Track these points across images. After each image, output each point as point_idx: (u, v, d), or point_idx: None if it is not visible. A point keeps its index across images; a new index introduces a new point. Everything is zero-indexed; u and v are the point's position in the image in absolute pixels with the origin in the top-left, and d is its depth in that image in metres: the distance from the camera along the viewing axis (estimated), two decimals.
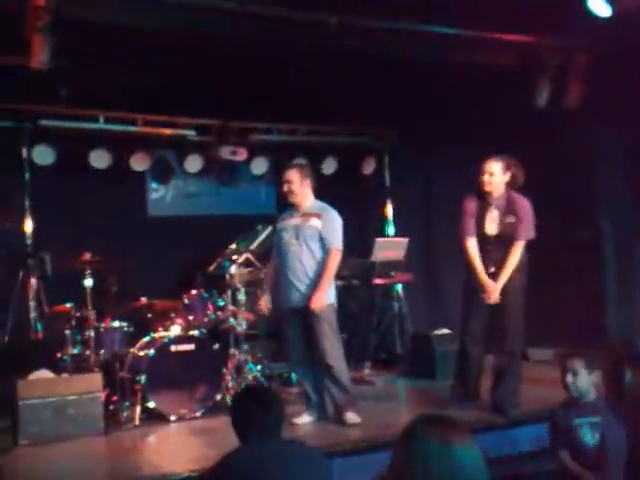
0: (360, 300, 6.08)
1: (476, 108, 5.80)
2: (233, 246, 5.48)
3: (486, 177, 4.19)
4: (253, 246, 5.57)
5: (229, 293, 5.34)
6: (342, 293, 6.21)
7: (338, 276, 6.21)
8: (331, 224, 4.28)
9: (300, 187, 4.32)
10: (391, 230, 7.03)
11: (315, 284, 4.18)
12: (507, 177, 4.21)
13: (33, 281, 5.43)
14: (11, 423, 4.23)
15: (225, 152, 6.27)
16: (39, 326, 5.34)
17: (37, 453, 4.02)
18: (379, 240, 5.82)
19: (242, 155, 6.35)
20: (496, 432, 4.10)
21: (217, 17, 4.66)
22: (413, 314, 6.43)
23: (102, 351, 4.82)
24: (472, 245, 4.28)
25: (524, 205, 4.19)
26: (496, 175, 4.19)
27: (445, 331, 5.81)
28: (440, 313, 6.65)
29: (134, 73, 5.07)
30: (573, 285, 5.67)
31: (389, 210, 7.07)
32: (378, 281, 5.79)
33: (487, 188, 4.20)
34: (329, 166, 6.74)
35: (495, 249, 4.22)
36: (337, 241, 4.27)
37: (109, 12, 4.39)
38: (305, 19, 4.68)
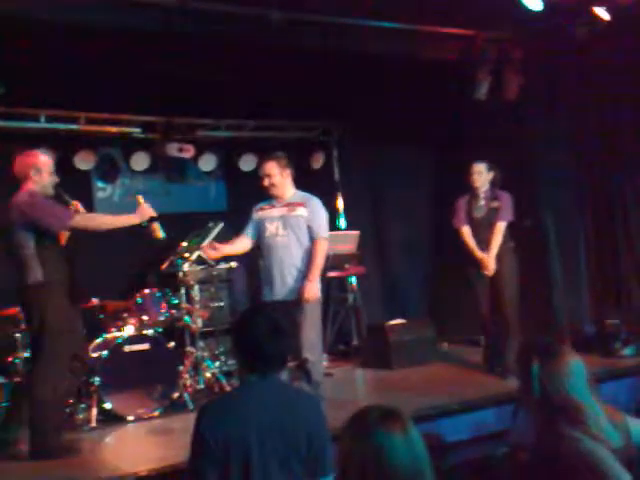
0: None
1: (420, 101, 5.90)
2: (185, 244, 5.43)
3: (475, 176, 5.10)
4: (205, 243, 5.53)
5: (183, 291, 5.29)
6: None
7: None
8: (317, 213, 4.26)
9: (281, 179, 4.28)
10: (342, 223, 7.08)
11: (304, 275, 4.14)
12: (491, 175, 5.13)
13: None
14: None
15: (172, 149, 6.18)
16: None
17: None
18: (330, 234, 5.84)
19: (189, 152, 6.28)
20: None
21: (160, 12, 4.62)
22: (368, 305, 6.50)
23: None
24: (466, 232, 5.15)
25: (505, 194, 5.12)
26: (483, 173, 5.10)
27: (400, 321, 5.90)
28: (394, 303, 6.75)
29: (75, 71, 4.95)
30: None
31: (340, 203, 7.12)
32: (332, 274, 5.83)
33: (476, 184, 5.11)
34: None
35: (483, 231, 5.06)
36: (324, 230, 4.26)
37: (46, 8, 4.28)
38: (249, 13, 4.67)
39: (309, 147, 7.00)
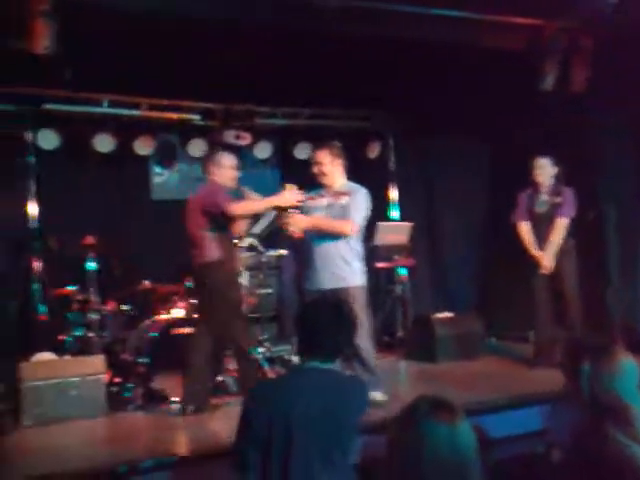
0: None
1: (481, 92, 5.76)
2: None
3: (538, 170, 5.05)
4: (257, 230, 5.59)
5: None
6: None
7: None
8: (356, 201, 4.23)
9: (332, 168, 4.27)
10: (395, 214, 7.02)
11: (349, 265, 4.17)
12: (555, 170, 5.05)
13: (37, 264, 5.47)
14: (15, 405, 4.27)
15: (229, 136, 6.27)
16: (43, 308, 5.39)
17: (41, 434, 4.07)
18: (381, 224, 5.82)
19: (246, 139, 6.35)
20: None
21: (221, 1, 4.66)
22: (416, 297, 6.45)
23: (105, 333, 4.86)
24: (525, 228, 5.12)
25: (568, 190, 5.04)
26: (546, 168, 5.04)
27: (447, 314, 5.83)
28: (443, 296, 6.67)
29: (138, 57, 5.06)
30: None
31: (393, 194, 7.05)
32: (380, 265, 5.80)
33: (539, 179, 5.07)
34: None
35: (544, 227, 5.01)
36: (358, 216, 4.22)
37: None
38: (306, 1, 4.65)
39: (365, 137, 6.95)
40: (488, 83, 5.63)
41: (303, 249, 4.36)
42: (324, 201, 4.28)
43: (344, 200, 4.23)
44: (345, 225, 4.16)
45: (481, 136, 6.56)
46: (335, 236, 4.16)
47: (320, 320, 2.37)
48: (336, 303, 2.51)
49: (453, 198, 6.76)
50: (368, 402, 2.45)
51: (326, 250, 4.19)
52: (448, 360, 5.48)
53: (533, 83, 5.55)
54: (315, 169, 4.29)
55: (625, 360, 2.34)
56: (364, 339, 4.17)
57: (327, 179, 4.28)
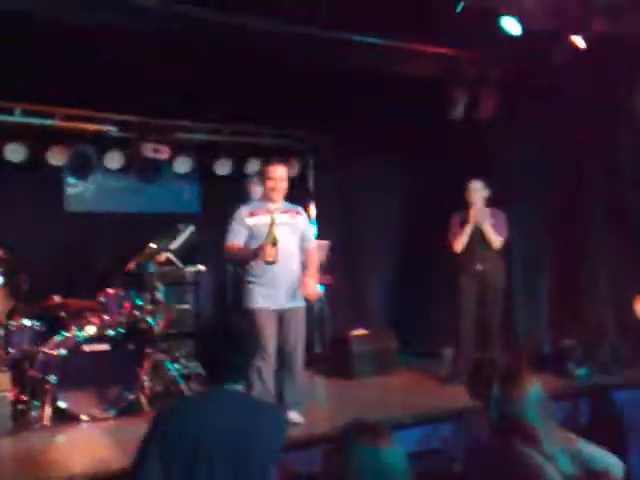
0: None
1: (397, 114, 5.96)
2: (153, 245, 5.43)
3: (472, 193, 5.28)
4: (174, 245, 5.54)
5: (147, 292, 5.28)
6: None
7: None
8: (306, 221, 4.46)
9: (285, 185, 4.33)
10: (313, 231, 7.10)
11: (298, 283, 4.22)
12: (486, 192, 5.31)
13: None
14: None
15: (147, 149, 6.19)
16: None
17: None
18: None
19: (165, 153, 6.28)
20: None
21: (142, 14, 4.63)
22: (333, 315, 6.54)
23: (11, 349, 4.67)
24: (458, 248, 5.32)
25: (501, 212, 5.36)
26: (479, 191, 5.29)
27: (363, 331, 5.94)
28: (360, 314, 6.79)
29: (53, 65, 4.95)
30: None
31: (312, 212, 7.15)
32: None
33: (473, 200, 5.28)
34: (253, 167, 6.76)
35: (478, 246, 5.27)
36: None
37: (30, 3, 4.28)
38: (228, 21, 4.70)
39: (284, 154, 6.99)
40: (402, 107, 5.82)
41: (256, 267, 4.23)
42: (279, 217, 4.17)
43: (299, 218, 4.37)
44: (316, 250, 4.46)
45: (399, 156, 6.77)
46: (294, 257, 4.25)
47: (219, 342, 2.36)
48: (235, 323, 2.50)
49: (371, 218, 6.93)
50: (282, 430, 2.43)
51: (290, 268, 4.22)
52: (364, 376, 5.58)
53: (445, 109, 5.82)
54: (274, 184, 4.25)
55: (532, 386, 2.50)
56: (302, 359, 4.29)
57: (278, 196, 4.29)
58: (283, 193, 4.31)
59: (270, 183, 4.25)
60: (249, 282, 4.24)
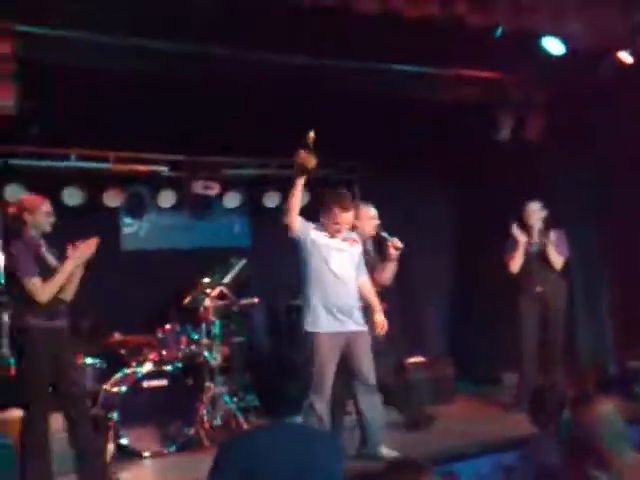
0: None
1: (443, 141, 5.96)
2: (207, 279, 5.52)
3: (530, 214, 5.32)
4: (227, 279, 5.62)
5: (203, 326, 5.36)
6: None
7: None
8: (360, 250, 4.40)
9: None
10: None
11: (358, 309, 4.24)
12: (544, 213, 5.32)
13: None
14: None
15: (197, 187, 6.34)
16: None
17: None
18: None
19: (215, 189, 6.42)
20: None
21: (184, 58, 4.78)
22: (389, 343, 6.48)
23: (74, 388, 4.77)
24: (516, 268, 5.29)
25: (560, 231, 5.31)
26: (537, 212, 5.32)
27: (420, 359, 5.87)
28: (415, 342, 6.71)
29: (104, 111, 5.13)
30: None
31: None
32: None
33: (531, 222, 5.33)
34: (303, 198, 6.81)
35: (537, 266, 5.25)
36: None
37: (74, 55, 4.47)
38: (269, 58, 4.81)
39: (332, 184, 7.05)
40: (453, 132, 5.82)
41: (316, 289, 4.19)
42: (338, 243, 4.23)
43: (357, 248, 4.33)
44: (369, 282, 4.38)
45: (447, 182, 6.75)
46: (353, 281, 4.26)
47: (274, 377, 2.38)
48: (288, 357, 2.49)
49: (421, 243, 6.88)
50: (339, 459, 2.41)
51: (350, 294, 4.22)
52: (423, 405, 5.50)
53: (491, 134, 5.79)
54: (336, 227, 4.22)
55: (605, 409, 2.43)
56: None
57: (339, 235, 4.26)
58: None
59: (336, 227, 4.22)
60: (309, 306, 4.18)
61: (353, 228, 4.73)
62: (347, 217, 4.21)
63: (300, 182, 4.05)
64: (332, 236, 4.21)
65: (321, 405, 4.01)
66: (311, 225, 4.23)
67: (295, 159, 4.01)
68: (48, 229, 4.08)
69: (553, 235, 5.27)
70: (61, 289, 3.95)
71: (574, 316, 5.73)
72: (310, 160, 3.93)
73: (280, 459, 2.25)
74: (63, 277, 3.92)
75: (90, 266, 4.19)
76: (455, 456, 4.13)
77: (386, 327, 4.27)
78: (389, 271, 4.70)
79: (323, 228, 4.23)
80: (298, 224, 4.13)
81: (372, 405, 4.21)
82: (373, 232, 4.72)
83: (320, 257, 4.15)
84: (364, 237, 4.76)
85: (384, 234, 4.65)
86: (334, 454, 2.39)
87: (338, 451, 2.46)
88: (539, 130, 5.78)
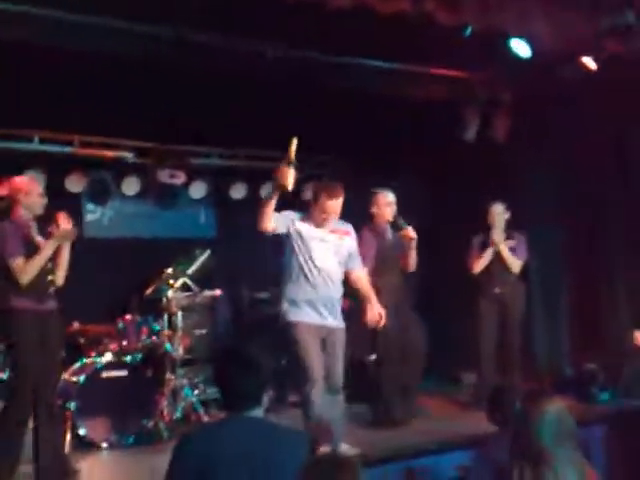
0: None
1: (410, 139, 5.98)
2: (170, 270, 5.45)
3: (494, 216, 5.32)
4: (191, 270, 5.55)
5: (165, 318, 5.30)
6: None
7: (276, 301, 6.30)
8: (355, 242, 4.24)
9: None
10: None
11: (339, 305, 4.09)
12: (507, 215, 5.32)
13: None
14: None
15: (163, 175, 6.25)
16: None
17: None
18: None
19: (181, 178, 6.34)
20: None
21: (157, 41, 4.70)
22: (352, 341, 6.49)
23: None
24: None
25: (521, 235, 5.38)
26: (501, 214, 5.33)
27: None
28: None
29: (70, 93, 5.02)
30: None
31: None
32: None
33: (495, 224, 5.32)
34: (268, 191, 6.76)
35: (498, 268, 5.29)
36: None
37: (37, 33, 4.35)
38: (241, 47, 4.77)
39: (301, 178, 7.02)
40: (419, 130, 5.84)
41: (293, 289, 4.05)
42: (323, 235, 4.04)
43: (347, 241, 4.15)
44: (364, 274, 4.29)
45: (415, 179, 6.77)
46: (339, 276, 4.09)
47: (232, 370, 2.36)
48: (248, 350, 2.46)
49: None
50: (301, 454, 2.33)
51: (333, 288, 4.06)
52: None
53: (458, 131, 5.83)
54: (324, 216, 4.02)
55: (552, 407, 2.46)
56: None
57: (328, 224, 4.06)
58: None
59: (323, 215, 4.03)
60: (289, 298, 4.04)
61: (371, 216, 4.94)
62: (334, 205, 4.00)
63: (275, 197, 3.88)
64: (318, 226, 4.04)
65: (315, 391, 3.86)
66: (292, 215, 4.07)
67: (274, 174, 3.88)
68: (41, 211, 4.05)
69: (515, 237, 5.32)
70: (52, 272, 3.94)
71: (532, 319, 5.81)
72: (289, 177, 3.78)
73: (236, 452, 2.23)
74: (43, 258, 3.87)
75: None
76: (414, 453, 4.15)
77: (383, 321, 4.15)
78: (410, 257, 4.87)
79: (310, 218, 4.07)
80: (272, 225, 3.95)
81: (333, 404, 4.11)
82: (390, 218, 4.85)
83: (303, 248, 4.00)
84: (382, 224, 4.97)
85: (400, 222, 4.68)
86: (294, 450, 2.34)
87: (299, 448, 2.40)
88: (505, 130, 5.84)
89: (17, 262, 3.76)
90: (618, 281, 5.64)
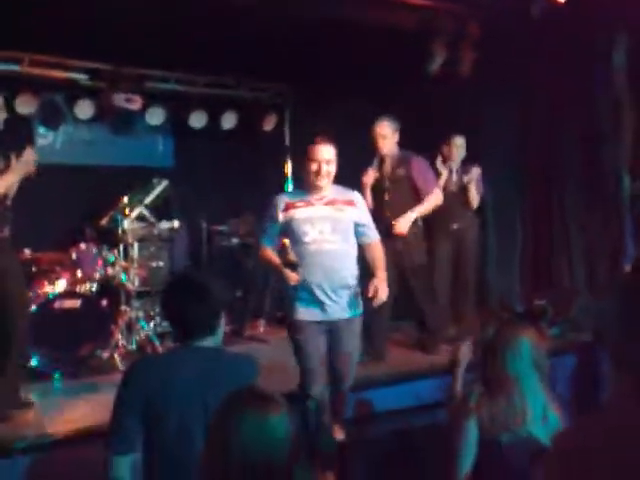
0: (256, 258, 6.07)
1: (373, 68, 5.83)
2: (126, 199, 5.30)
3: (453, 149, 5.28)
4: (147, 200, 5.42)
5: (121, 248, 5.19)
6: (238, 251, 6.21)
7: (235, 234, 6.24)
8: (367, 210, 3.69)
9: (334, 168, 3.53)
10: (290, 189, 7.01)
11: (355, 290, 3.52)
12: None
13: None
14: None
15: (118, 99, 5.99)
16: None
17: None
18: None
19: (136, 103, 6.10)
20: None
21: None
22: None
23: None
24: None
25: (477, 169, 5.29)
26: (461, 148, 5.30)
27: None
28: None
29: (21, 10, 4.70)
30: None
31: (289, 168, 7.03)
32: None
33: (454, 158, 5.30)
34: (228, 120, 6.62)
35: (456, 203, 5.23)
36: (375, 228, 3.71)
37: None
38: None
39: (261, 108, 6.85)
40: (383, 60, 5.68)
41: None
42: (316, 211, 3.47)
43: (349, 212, 3.53)
44: (381, 246, 3.68)
45: (376, 109, 6.63)
46: (343, 255, 3.50)
47: (181, 299, 2.30)
48: (197, 279, 2.41)
49: (349, 173, 6.82)
50: (252, 377, 2.33)
51: (332, 272, 3.49)
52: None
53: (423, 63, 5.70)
54: (314, 167, 3.44)
55: (521, 337, 2.51)
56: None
57: (323, 182, 3.47)
58: (331, 178, 3.50)
59: (313, 166, 3.44)
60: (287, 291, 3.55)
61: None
62: (321, 152, 3.44)
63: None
64: (312, 190, 3.50)
65: (318, 388, 3.51)
66: (276, 208, 3.52)
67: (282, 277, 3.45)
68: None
69: (475, 172, 5.26)
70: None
71: (486, 253, 5.86)
72: (296, 278, 3.41)
73: (186, 379, 2.22)
74: (3, 186, 3.79)
75: None
76: (371, 384, 4.22)
77: (383, 297, 3.46)
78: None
79: (304, 187, 3.58)
80: (269, 247, 3.60)
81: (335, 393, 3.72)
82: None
83: (295, 234, 3.47)
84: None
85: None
86: (243, 372, 2.34)
87: (248, 370, 2.38)
88: (470, 64, 5.73)
89: None
90: (570, 220, 5.70)
